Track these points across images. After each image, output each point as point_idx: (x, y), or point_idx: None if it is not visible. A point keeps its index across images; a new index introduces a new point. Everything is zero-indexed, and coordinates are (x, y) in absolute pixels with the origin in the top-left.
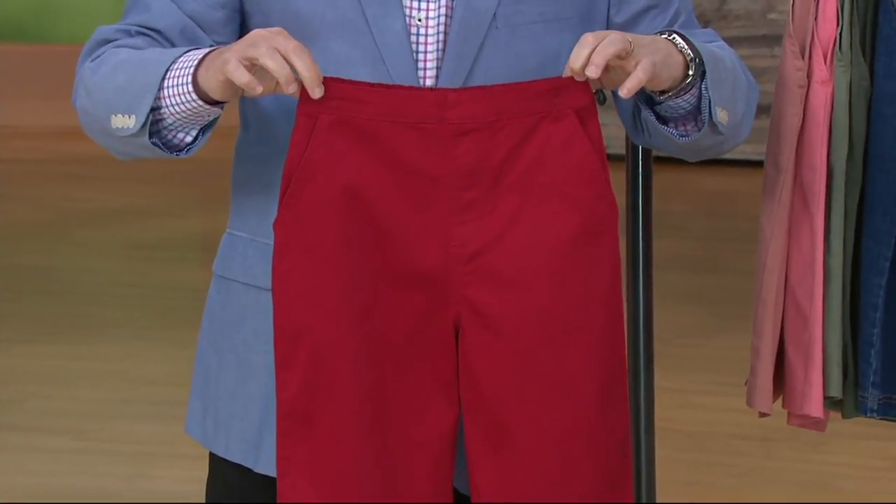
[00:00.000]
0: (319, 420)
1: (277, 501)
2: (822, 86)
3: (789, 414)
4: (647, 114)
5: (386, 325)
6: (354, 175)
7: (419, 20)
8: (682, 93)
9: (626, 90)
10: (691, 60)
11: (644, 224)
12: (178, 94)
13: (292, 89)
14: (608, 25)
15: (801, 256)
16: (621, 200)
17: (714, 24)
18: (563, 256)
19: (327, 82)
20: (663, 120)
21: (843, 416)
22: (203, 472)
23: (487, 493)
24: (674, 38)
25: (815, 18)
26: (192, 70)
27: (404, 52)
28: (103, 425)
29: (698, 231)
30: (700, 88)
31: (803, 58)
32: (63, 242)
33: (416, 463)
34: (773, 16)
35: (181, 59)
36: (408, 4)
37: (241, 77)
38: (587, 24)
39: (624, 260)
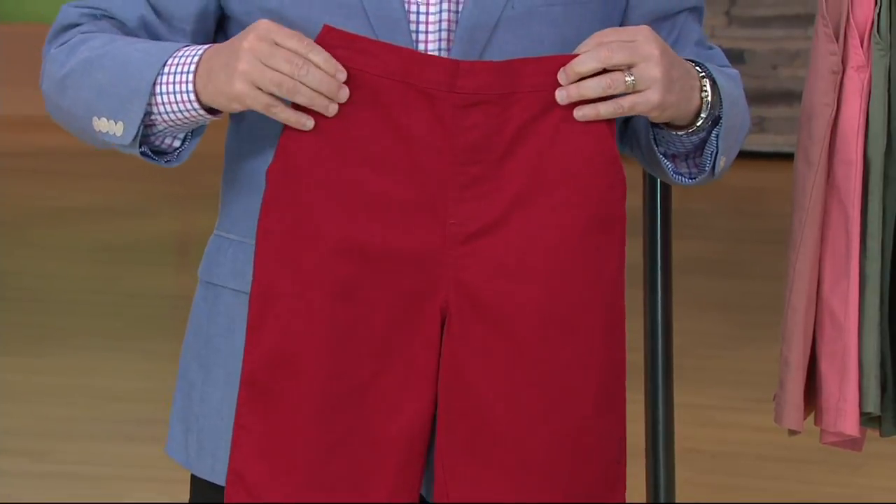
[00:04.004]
0: (281, 396)
1: (228, 469)
2: (857, 72)
3: (822, 432)
4: (650, 138)
5: (367, 304)
6: (353, 134)
7: None
8: (684, 131)
9: (580, 114)
10: (708, 109)
11: (663, 223)
12: (176, 103)
13: (332, 111)
14: (626, 10)
15: (835, 260)
16: (638, 197)
17: (742, 3)
18: (571, 248)
19: (334, 31)
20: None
21: (882, 435)
22: (180, 496)
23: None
24: (703, 78)
25: None
26: (191, 77)
27: (402, 34)
28: (68, 446)
29: (722, 231)
30: (710, 134)
31: (837, 41)
32: (22, 244)
33: (381, 462)
34: None
35: (172, 61)
36: None
37: (290, 117)
38: (607, 7)
39: (641, 263)
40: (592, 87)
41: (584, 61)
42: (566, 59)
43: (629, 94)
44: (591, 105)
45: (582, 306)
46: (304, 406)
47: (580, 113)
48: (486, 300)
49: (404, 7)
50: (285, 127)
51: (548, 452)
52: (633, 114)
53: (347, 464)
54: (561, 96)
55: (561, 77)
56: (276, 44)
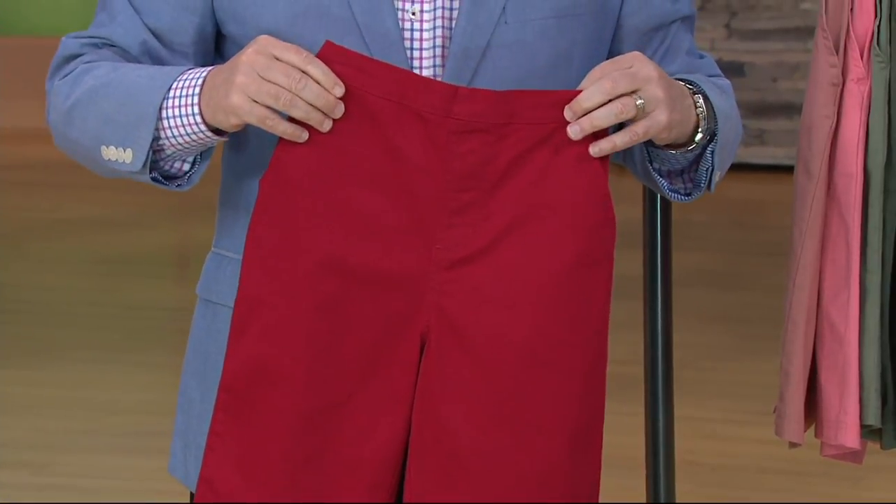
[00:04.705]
0: (258, 406)
1: (199, 476)
2: (857, 84)
3: (823, 444)
4: (644, 156)
5: (349, 322)
6: (347, 151)
7: (412, 14)
8: (681, 149)
9: (597, 149)
10: (703, 129)
11: (663, 235)
12: (183, 126)
13: (327, 126)
14: (619, 21)
15: (836, 272)
16: (637, 210)
17: (741, 16)
18: (556, 284)
19: (335, 48)
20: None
21: (882, 447)
22: None
23: None
24: (697, 97)
25: (851, 10)
26: (196, 99)
27: (397, 50)
28: (65, 458)
29: (722, 243)
30: (706, 150)
31: (837, 53)
32: (20, 257)
33: (353, 482)
34: (806, 6)
35: (176, 85)
36: None
37: (286, 129)
38: (599, 20)
39: (641, 275)
40: (604, 116)
41: (590, 96)
42: (566, 94)
43: (640, 119)
44: (607, 139)
45: (564, 344)
46: (279, 418)
47: (596, 149)
48: (465, 329)
49: (398, 24)
50: (280, 139)
51: (514, 490)
52: (647, 138)
53: (319, 481)
54: (574, 131)
55: (568, 115)
56: (275, 57)
